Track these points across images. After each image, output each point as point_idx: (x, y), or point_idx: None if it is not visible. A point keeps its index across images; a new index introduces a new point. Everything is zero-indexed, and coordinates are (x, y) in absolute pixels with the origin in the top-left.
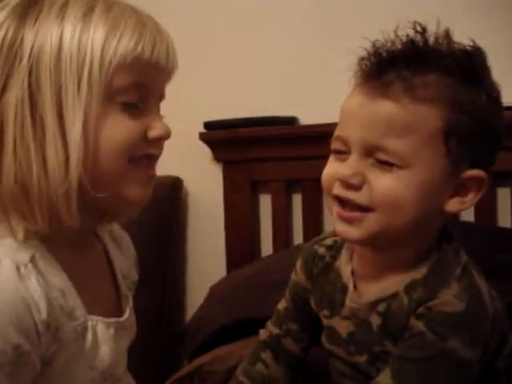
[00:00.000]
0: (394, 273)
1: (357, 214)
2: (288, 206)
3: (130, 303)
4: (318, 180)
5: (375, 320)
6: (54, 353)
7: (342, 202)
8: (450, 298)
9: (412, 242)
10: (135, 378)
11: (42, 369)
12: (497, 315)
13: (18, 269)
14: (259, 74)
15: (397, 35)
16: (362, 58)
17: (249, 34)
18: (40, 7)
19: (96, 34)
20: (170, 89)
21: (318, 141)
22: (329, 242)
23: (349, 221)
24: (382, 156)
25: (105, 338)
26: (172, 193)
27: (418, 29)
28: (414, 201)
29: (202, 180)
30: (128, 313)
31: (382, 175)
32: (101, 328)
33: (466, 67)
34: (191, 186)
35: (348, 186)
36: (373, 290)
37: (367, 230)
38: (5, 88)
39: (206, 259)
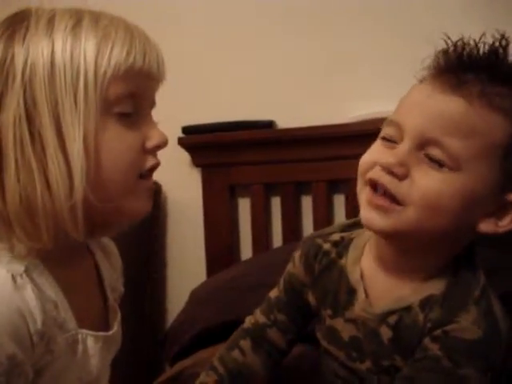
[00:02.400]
0: (410, 281)
1: (389, 203)
2: (267, 209)
3: (119, 317)
4: (296, 183)
5: (385, 332)
6: (46, 363)
7: (376, 188)
8: (468, 325)
9: (436, 251)
10: (118, 383)
11: (33, 379)
12: (508, 339)
13: (13, 278)
14: (237, 78)
15: (480, 42)
16: (443, 52)
17: (225, 40)
18: (27, 23)
19: (87, 46)
20: None
21: (295, 144)
22: (336, 237)
23: (379, 208)
24: (435, 152)
25: (93, 351)
26: None
27: (503, 42)
28: (453, 208)
29: (181, 185)
30: (116, 327)
31: (429, 173)
32: (90, 341)
33: None
34: (170, 190)
35: (390, 173)
36: (385, 300)
37: (395, 223)
38: (0, 108)
39: (187, 263)
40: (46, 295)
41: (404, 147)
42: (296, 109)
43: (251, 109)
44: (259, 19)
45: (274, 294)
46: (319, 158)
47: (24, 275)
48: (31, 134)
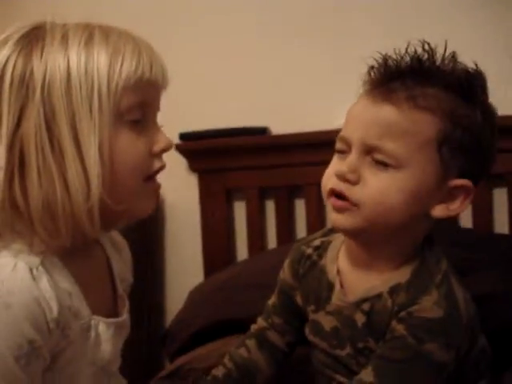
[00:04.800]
0: (379, 272)
1: (347, 203)
2: (262, 212)
3: (127, 305)
4: (290, 187)
5: (360, 318)
6: (62, 349)
7: (338, 196)
8: (429, 305)
9: (397, 242)
10: None
11: (50, 363)
12: (470, 320)
13: (31, 271)
14: (232, 87)
15: (406, 52)
16: (372, 67)
17: (221, 50)
18: (42, 40)
19: (100, 60)
20: None
21: (288, 149)
22: (317, 242)
23: (340, 210)
24: (378, 156)
25: (105, 336)
26: None
27: (426, 47)
28: (403, 201)
29: (179, 189)
30: (125, 314)
31: (377, 174)
32: (102, 327)
33: (465, 86)
34: (168, 195)
35: (344, 180)
36: (358, 290)
37: (355, 221)
38: (20, 119)
39: (185, 265)
40: (60, 286)
41: (353, 156)
42: (289, 115)
43: (246, 116)
44: (254, 28)
45: (271, 301)
46: (312, 163)
47: (40, 267)
48: (51, 142)
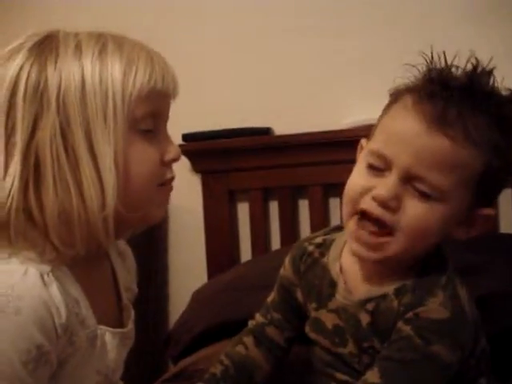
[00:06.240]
0: (384, 271)
1: (383, 240)
2: (265, 213)
3: (132, 316)
4: (293, 187)
5: (364, 317)
6: (68, 355)
7: (367, 217)
8: (436, 306)
9: (413, 257)
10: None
11: (56, 370)
12: (474, 321)
13: (42, 276)
14: (235, 87)
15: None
16: (423, 77)
17: (223, 49)
18: (56, 49)
19: (114, 70)
20: None
21: (291, 150)
22: (319, 240)
23: (367, 245)
24: (422, 187)
25: (111, 346)
26: None
27: (479, 69)
28: (438, 231)
29: (182, 190)
30: (130, 325)
31: (418, 204)
32: (108, 337)
33: (508, 116)
34: (171, 196)
35: (384, 207)
36: (363, 289)
37: (387, 252)
38: (35, 128)
39: (188, 266)
40: (69, 293)
41: (394, 180)
42: (292, 116)
43: (249, 116)
44: (256, 29)
45: (270, 297)
46: (315, 163)
47: (50, 274)
48: (66, 151)
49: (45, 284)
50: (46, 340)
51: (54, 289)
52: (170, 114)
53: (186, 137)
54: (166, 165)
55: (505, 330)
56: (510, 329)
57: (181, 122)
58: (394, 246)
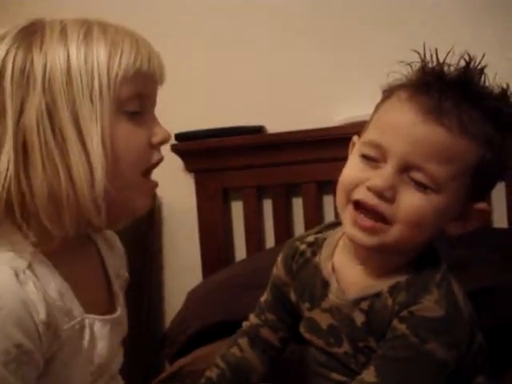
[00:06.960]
0: (379, 272)
1: (378, 225)
2: (259, 211)
3: (121, 300)
4: (287, 185)
5: (359, 317)
6: (56, 350)
7: (362, 207)
8: (430, 304)
9: (408, 252)
10: None
11: (45, 367)
12: (469, 318)
13: (16, 274)
14: (227, 86)
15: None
16: (418, 70)
17: (216, 48)
18: (41, 34)
19: (99, 52)
20: None
21: (284, 148)
22: (311, 239)
23: (366, 229)
24: (418, 176)
25: (101, 334)
26: None
27: (472, 64)
28: (434, 222)
29: (176, 190)
30: (120, 310)
31: (414, 194)
32: (97, 325)
33: (505, 111)
34: (165, 196)
35: (380, 197)
36: (356, 288)
37: (381, 240)
38: (22, 110)
39: (182, 265)
40: (49, 287)
41: (389, 170)
42: (284, 114)
43: (241, 115)
44: (249, 28)
45: (263, 298)
46: (308, 161)
47: (27, 271)
48: (53, 131)
49: (20, 282)
50: (26, 339)
51: (31, 286)
52: (163, 113)
53: (178, 136)
54: (154, 147)
55: (497, 325)
56: (502, 323)
57: (173, 121)
58: (391, 233)
